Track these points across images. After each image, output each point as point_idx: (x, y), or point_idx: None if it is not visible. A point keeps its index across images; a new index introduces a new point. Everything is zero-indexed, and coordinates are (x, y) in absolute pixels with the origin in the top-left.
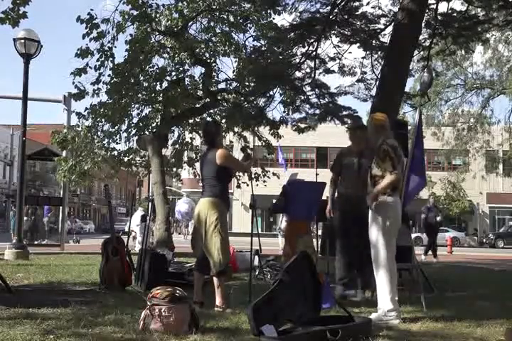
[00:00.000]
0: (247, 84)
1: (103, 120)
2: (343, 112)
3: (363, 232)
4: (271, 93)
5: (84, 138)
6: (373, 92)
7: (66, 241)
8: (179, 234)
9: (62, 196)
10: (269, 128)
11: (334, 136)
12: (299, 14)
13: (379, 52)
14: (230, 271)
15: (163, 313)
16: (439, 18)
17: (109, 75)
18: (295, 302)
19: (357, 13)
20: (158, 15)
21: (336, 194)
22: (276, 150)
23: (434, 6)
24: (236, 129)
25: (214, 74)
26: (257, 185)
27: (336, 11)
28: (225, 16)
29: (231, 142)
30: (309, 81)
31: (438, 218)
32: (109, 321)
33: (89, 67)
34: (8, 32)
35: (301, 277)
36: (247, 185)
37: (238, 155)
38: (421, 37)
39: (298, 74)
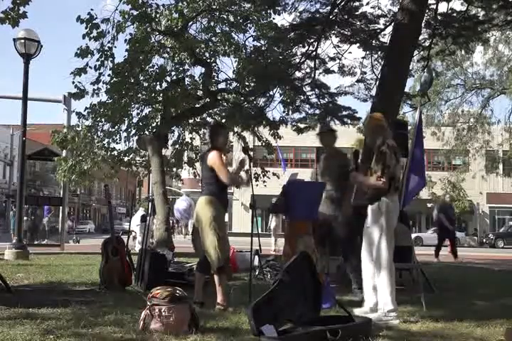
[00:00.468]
0: (247, 84)
1: (103, 120)
2: (343, 112)
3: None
4: (271, 93)
5: (84, 138)
6: (373, 92)
7: (66, 241)
8: (179, 233)
9: (62, 196)
10: (269, 128)
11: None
12: (298, 14)
13: (379, 52)
14: (230, 271)
15: (163, 313)
16: (439, 18)
17: (109, 75)
18: (295, 302)
19: (357, 13)
20: (158, 15)
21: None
22: (276, 151)
23: (434, 6)
24: (236, 129)
25: (214, 74)
26: (257, 185)
27: (335, 11)
28: (225, 16)
29: (231, 142)
30: (309, 81)
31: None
32: (109, 321)
33: (89, 67)
34: (8, 32)
35: (301, 277)
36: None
37: (238, 155)
38: (421, 37)
39: (298, 74)
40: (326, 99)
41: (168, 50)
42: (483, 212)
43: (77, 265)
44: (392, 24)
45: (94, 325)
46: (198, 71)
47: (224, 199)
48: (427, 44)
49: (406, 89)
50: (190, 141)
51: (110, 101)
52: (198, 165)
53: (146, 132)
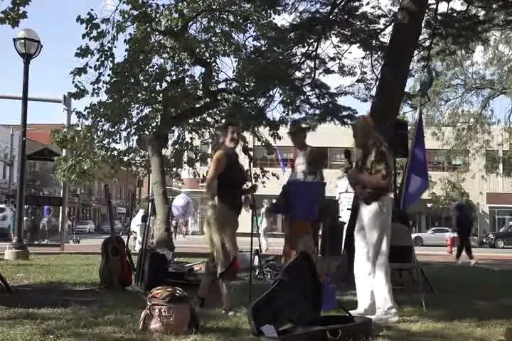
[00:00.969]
0: (247, 84)
1: (103, 119)
2: (342, 112)
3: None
4: (271, 93)
5: (84, 137)
6: (373, 92)
7: (66, 241)
8: (179, 233)
9: (62, 196)
10: (269, 128)
11: (334, 136)
12: (299, 14)
13: (379, 52)
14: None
15: (163, 313)
16: (439, 18)
17: (108, 75)
18: (295, 302)
19: (357, 13)
20: (158, 15)
21: None
22: (275, 151)
23: (434, 6)
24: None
25: (214, 74)
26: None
27: (336, 11)
28: (225, 16)
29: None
30: (309, 81)
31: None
32: (109, 321)
33: (89, 67)
34: (8, 32)
35: (301, 277)
36: (247, 185)
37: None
38: (421, 37)
39: (298, 74)
40: (326, 99)
41: (168, 50)
42: (483, 212)
43: (77, 265)
44: (392, 24)
45: (94, 325)
46: (198, 71)
47: (233, 201)
48: (427, 44)
49: (406, 89)
50: (190, 141)
51: (110, 101)
52: (198, 165)
53: (146, 132)
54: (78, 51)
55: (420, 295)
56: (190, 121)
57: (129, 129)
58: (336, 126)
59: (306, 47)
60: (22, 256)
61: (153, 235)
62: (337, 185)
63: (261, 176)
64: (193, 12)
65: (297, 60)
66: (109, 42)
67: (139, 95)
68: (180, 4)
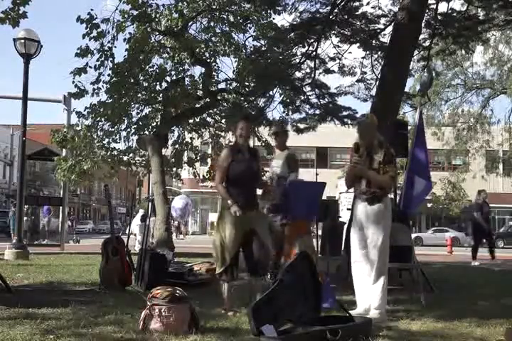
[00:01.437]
0: (247, 84)
1: (103, 119)
2: (343, 112)
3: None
4: (271, 93)
5: (83, 137)
6: (373, 92)
7: (66, 241)
8: (180, 234)
9: (62, 196)
10: (269, 128)
11: (334, 136)
12: (299, 14)
13: (379, 52)
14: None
15: (163, 313)
16: (439, 18)
17: (108, 75)
18: (295, 302)
19: (357, 13)
20: (158, 15)
21: None
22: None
23: (434, 6)
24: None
25: (214, 74)
26: None
27: (336, 11)
28: (225, 16)
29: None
30: (309, 81)
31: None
32: (109, 321)
33: (89, 67)
34: (8, 32)
35: (301, 277)
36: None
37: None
38: (421, 37)
39: (298, 74)
40: (326, 99)
41: (168, 50)
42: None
43: (77, 265)
44: (392, 24)
45: (94, 325)
46: (198, 71)
47: (238, 200)
48: (427, 44)
49: (406, 89)
50: (190, 141)
51: (110, 100)
52: (198, 165)
53: (146, 132)
54: (78, 51)
55: (420, 295)
56: (190, 121)
57: (128, 129)
58: (336, 126)
59: (306, 47)
60: (22, 256)
61: (153, 235)
62: (337, 185)
63: None
64: (193, 12)
65: (297, 60)
66: (109, 42)
67: (139, 95)
68: (180, 4)
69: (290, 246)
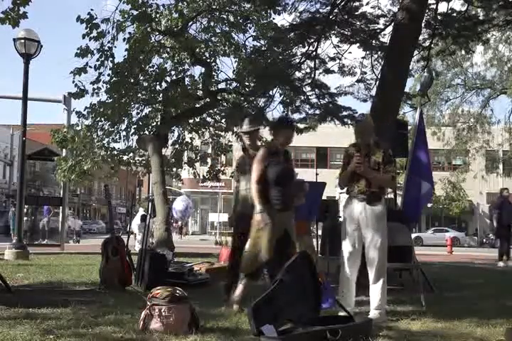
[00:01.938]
0: (247, 84)
1: (103, 119)
2: (342, 112)
3: None
4: (271, 93)
5: (84, 137)
6: (373, 92)
7: (66, 241)
8: (181, 233)
9: (62, 196)
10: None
11: (334, 136)
12: (298, 14)
13: (379, 52)
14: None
15: (163, 313)
16: (439, 18)
17: (108, 75)
18: (295, 302)
19: (357, 13)
20: (158, 15)
21: None
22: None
23: (434, 6)
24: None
25: (214, 74)
26: None
27: (335, 11)
28: (225, 16)
29: (229, 141)
30: (309, 81)
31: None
32: (109, 321)
33: (89, 67)
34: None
35: (301, 277)
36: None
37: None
38: (421, 37)
39: (298, 74)
40: (326, 99)
41: (168, 50)
42: (483, 212)
43: (77, 265)
44: (392, 24)
45: (94, 325)
46: (198, 71)
47: (282, 201)
48: (427, 44)
49: (406, 89)
50: (190, 141)
51: (110, 100)
52: (198, 165)
53: (146, 132)
54: (78, 51)
55: (420, 295)
56: (190, 121)
57: (128, 129)
58: (336, 126)
59: (306, 47)
60: (22, 256)
61: (153, 235)
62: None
63: None
64: (193, 12)
65: (297, 60)
66: (109, 42)
67: (139, 95)
68: (180, 4)
69: None
